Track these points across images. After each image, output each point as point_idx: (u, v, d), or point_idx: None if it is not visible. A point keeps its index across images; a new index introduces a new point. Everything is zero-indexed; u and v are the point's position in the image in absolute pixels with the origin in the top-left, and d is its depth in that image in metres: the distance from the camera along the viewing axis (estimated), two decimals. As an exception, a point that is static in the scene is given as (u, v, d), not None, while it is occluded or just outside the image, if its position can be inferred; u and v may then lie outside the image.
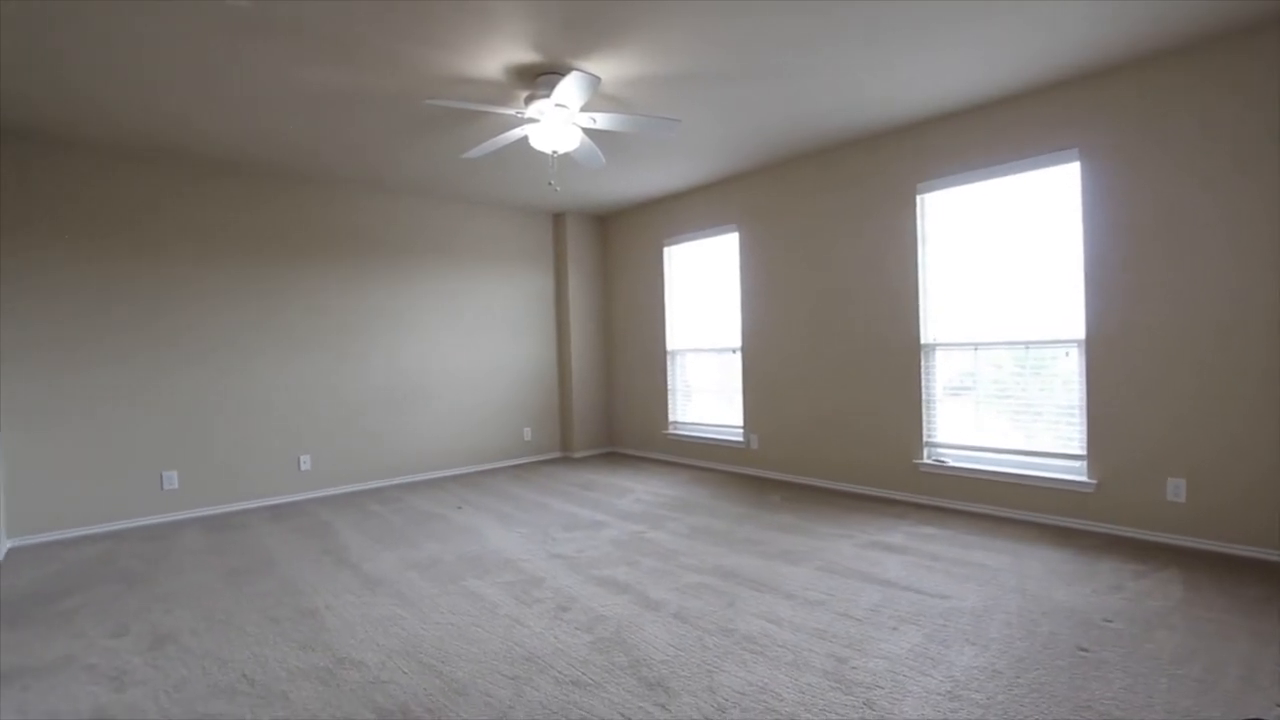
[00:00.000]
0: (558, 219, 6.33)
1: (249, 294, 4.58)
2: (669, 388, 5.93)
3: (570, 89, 2.77)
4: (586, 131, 3.75)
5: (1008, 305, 3.75)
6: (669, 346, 5.92)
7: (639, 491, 4.70)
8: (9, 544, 3.75)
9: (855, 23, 2.69)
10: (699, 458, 5.64)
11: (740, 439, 5.26)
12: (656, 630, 2.38)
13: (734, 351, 5.34)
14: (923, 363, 4.10)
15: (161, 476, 4.25)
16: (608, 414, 6.58)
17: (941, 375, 4.08)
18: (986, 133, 3.73)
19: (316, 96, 3.28)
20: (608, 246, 6.54)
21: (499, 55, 2.87)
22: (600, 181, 5.17)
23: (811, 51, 2.95)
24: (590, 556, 3.26)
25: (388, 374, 5.24)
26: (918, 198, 4.08)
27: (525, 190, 5.37)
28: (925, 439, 4.11)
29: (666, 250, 5.91)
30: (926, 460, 4.10)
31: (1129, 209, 3.23)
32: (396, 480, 5.27)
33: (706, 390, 5.67)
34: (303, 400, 4.82)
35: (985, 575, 2.83)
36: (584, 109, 3.31)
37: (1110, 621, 2.34)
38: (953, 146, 3.88)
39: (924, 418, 4.11)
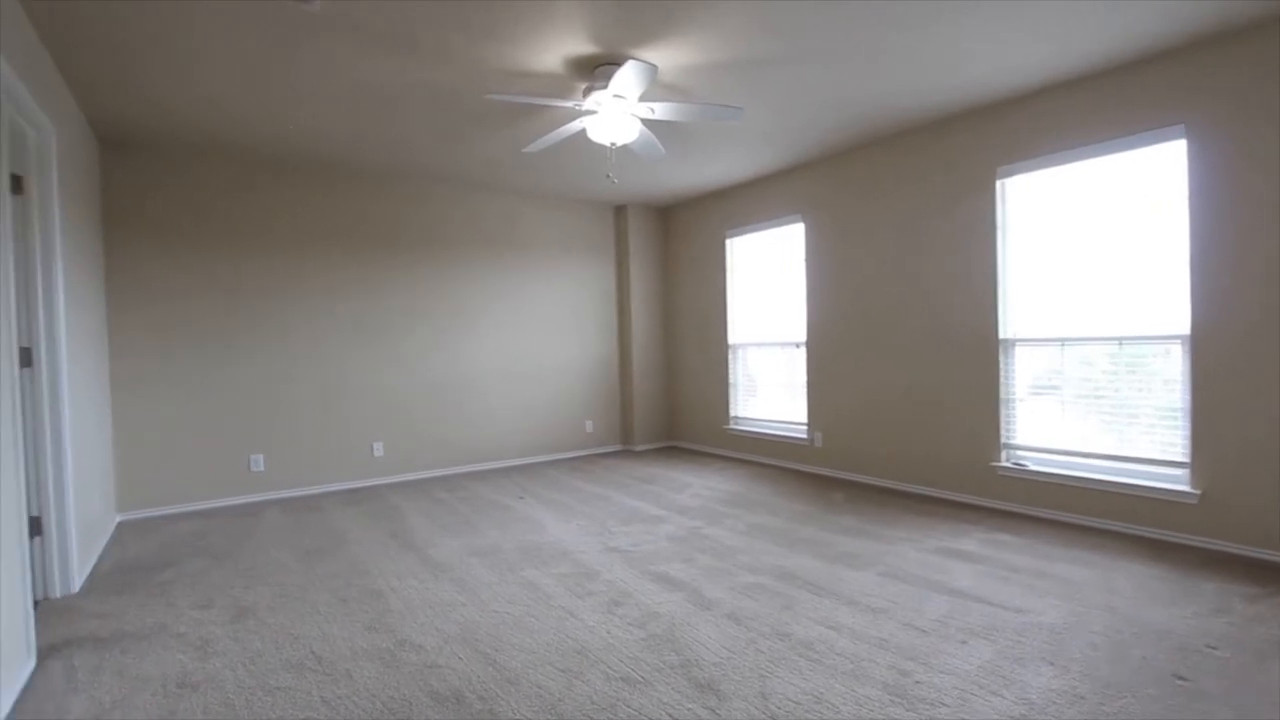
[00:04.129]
0: (619, 211, 6.33)
1: (329, 287, 4.81)
2: (730, 382, 5.83)
3: (627, 79, 2.73)
4: (645, 122, 3.71)
5: (1099, 298, 3.45)
6: (731, 340, 5.82)
7: (697, 486, 4.65)
8: (119, 518, 4.10)
9: (929, -3, 2.52)
10: (760, 453, 5.53)
11: (803, 435, 5.11)
12: (709, 630, 2.34)
13: (798, 346, 5.19)
14: (1001, 359, 3.85)
15: (249, 459, 4.54)
16: (668, 407, 6.55)
17: (1022, 373, 3.81)
18: (1078, 110, 3.44)
19: (381, 94, 3.38)
20: (669, 238, 6.48)
21: (558, 47, 2.87)
22: (660, 173, 5.12)
23: (884, 30, 2.79)
24: (646, 551, 3.25)
25: (455, 365, 5.40)
26: (998, 183, 3.82)
27: (586, 182, 5.39)
28: (1003, 440, 3.87)
29: (728, 241, 5.80)
30: (1004, 463, 3.86)
31: (1243, 191, 2.90)
32: (463, 469, 5.43)
33: (769, 385, 5.54)
34: (377, 389, 5.03)
35: (1068, 589, 2.63)
36: (642, 99, 3.27)
37: (1214, 648, 2.12)
38: (1038, 127, 3.60)
39: (1002, 418, 3.86)
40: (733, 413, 5.83)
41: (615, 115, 3.04)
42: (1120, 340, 3.38)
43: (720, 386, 5.92)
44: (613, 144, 3.16)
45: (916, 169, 4.23)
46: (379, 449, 5.04)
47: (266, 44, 2.78)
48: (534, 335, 5.83)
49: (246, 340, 4.52)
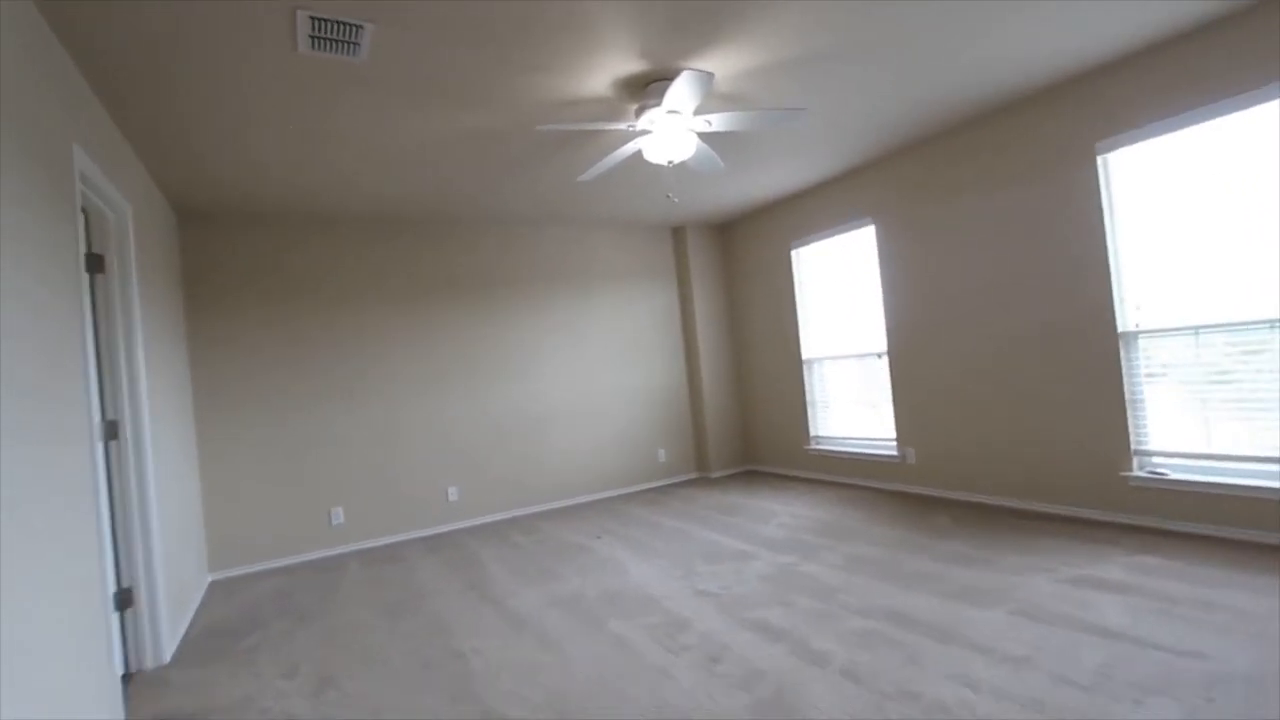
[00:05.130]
0: (677, 232, 6.18)
1: (392, 337, 4.85)
2: (807, 399, 5.51)
3: (682, 92, 2.57)
4: (702, 136, 3.55)
5: (1241, 277, 3.00)
6: (804, 355, 5.51)
7: (783, 515, 4.35)
8: (210, 578, 4.18)
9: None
10: (846, 474, 5.17)
11: (893, 453, 4.73)
12: (824, 691, 2.07)
13: (878, 356, 4.84)
14: (1123, 354, 3.42)
15: (330, 513, 4.57)
16: (743, 430, 6.27)
17: (1150, 368, 3.37)
18: (1189, 67, 3.04)
19: (429, 144, 3.36)
20: (730, 256, 6.27)
21: (605, 70, 2.75)
22: (717, 189, 4.93)
23: (952, 9, 2.53)
24: (738, 594, 2.99)
25: (521, 403, 5.33)
26: (1099, 159, 3.43)
27: (642, 206, 5.27)
28: (1134, 446, 3.41)
29: (794, 253, 5.53)
30: (1138, 472, 3.40)
31: None
32: (537, 508, 5.32)
33: (849, 400, 5.19)
34: (448, 433, 5.01)
35: (1249, 624, 2.21)
36: (697, 112, 3.11)
37: None
38: (1141, 92, 3.21)
39: (1130, 420, 3.41)
40: (813, 432, 5.50)
41: (671, 132, 2.88)
42: (1272, 324, 2.92)
43: (797, 405, 5.61)
44: (670, 162, 3.01)
45: (1000, 154, 3.87)
46: (453, 494, 4.99)
47: (313, 103, 2.78)
48: (598, 366, 5.70)
49: (318, 394, 4.58)
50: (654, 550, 3.84)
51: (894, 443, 4.75)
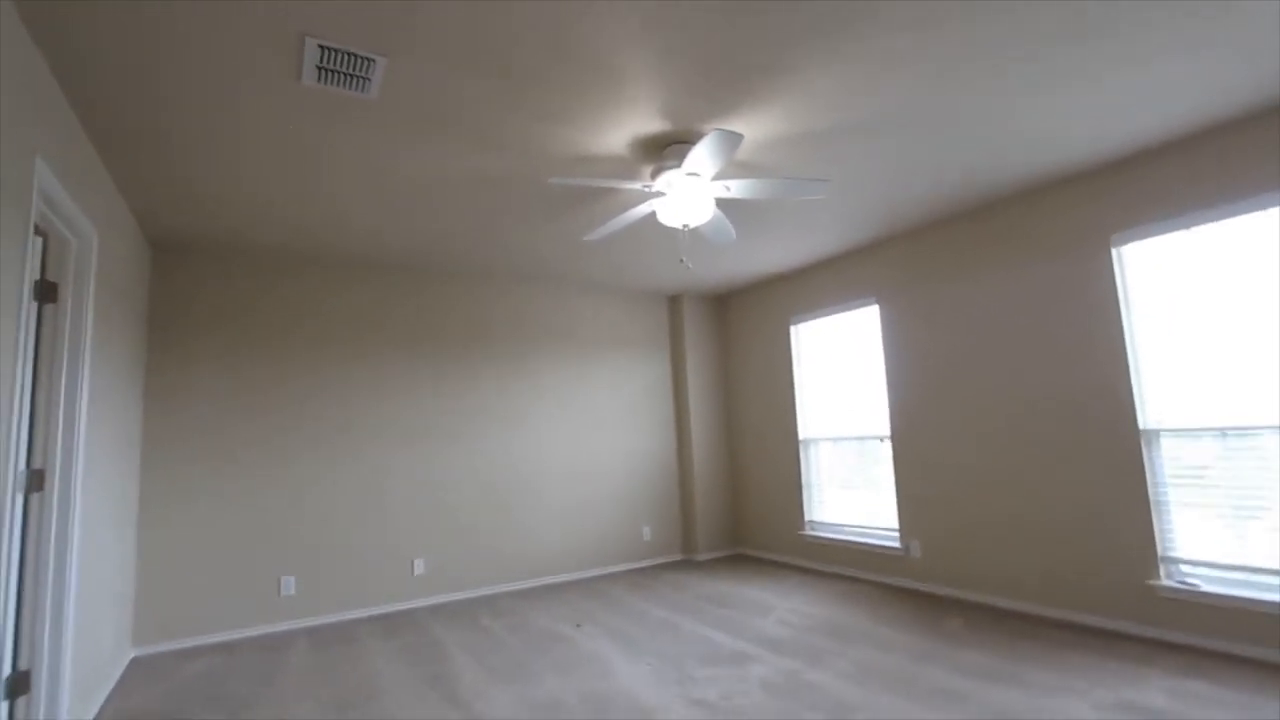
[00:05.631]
0: (674, 301, 6.06)
1: (361, 392, 4.54)
2: (803, 482, 5.25)
3: (706, 152, 2.45)
4: (718, 203, 3.44)
5: (1257, 379, 2.89)
6: (801, 435, 5.30)
7: (781, 610, 4.00)
8: (134, 653, 3.67)
9: (1053, 57, 2.21)
10: (843, 564, 4.85)
11: (896, 544, 4.45)
12: (856, 846, 1.72)
13: (880, 440, 4.64)
14: (1145, 453, 3.25)
15: (280, 581, 4.11)
16: (733, 511, 5.95)
17: (1175, 469, 3.19)
18: (1211, 162, 3.03)
19: (428, 185, 3.20)
20: (728, 328, 6.14)
21: (625, 126, 2.64)
22: (720, 259, 4.84)
23: (985, 94, 2.48)
24: (739, 705, 2.63)
25: (498, 470, 4.99)
26: (1114, 251, 3.38)
27: (641, 272, 5.15)
28: (1161, 552, 3.19)
29: (794, 329, 5.41)
30: (1166, 581, 3.16)
31: None
32: (510, 586, 4.88)
33: (848, 485, 4.95)
34: (415, 499, 4.63)
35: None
36: (715, 177, 3.00)
37: None
38: (1161, 185, 3.20)
39: (1155, 524, 3.20)
40: (808, 517, 5.21)
41: (689, 195, 2.75)
42: (1307, 430, 2.78)
43: (791, 487, 5.34)
44: (685, 226, 2.87)
45: (1014, 241, 3.83)
46: (420, 565, 4.56)
47: (311, 134, 2.62)
48: (584, 435, 5.41)
49: (279, 450, 4.22)
50: (642, 646, 3.45)
51: (897, 534, 4.48)
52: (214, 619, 3.90)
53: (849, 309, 4.89)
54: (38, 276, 2.44)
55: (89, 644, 2.75)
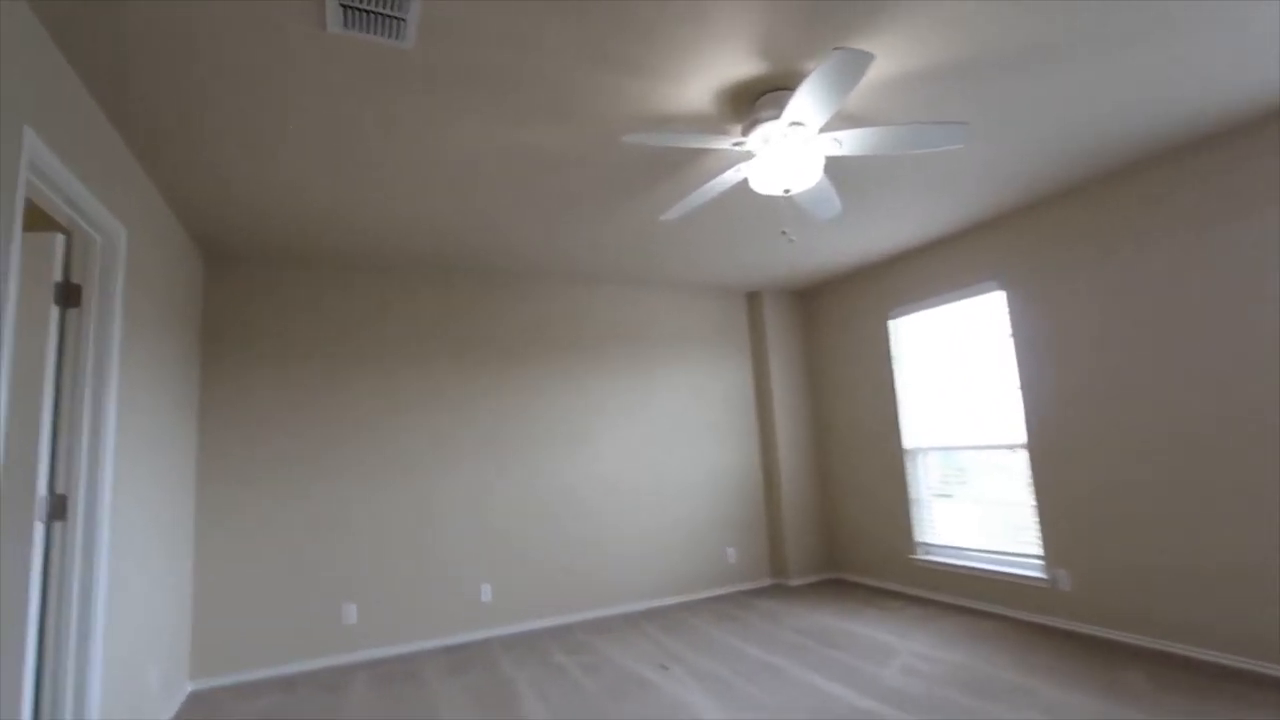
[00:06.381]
0: (752, 299, 5.51)
1: (417, 406, 4.23)
2: (911, 497, 4.58)
3: (821, 88, 1.93)
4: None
5: None
6: (906, 444, 4.63)
7: (903, 652, 3.37)
8: (190, 687, 3.44)
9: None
10: (967, 595, 4.14)
11: (1038, 574, 3.72)
12: None
13: (1013, 449, 3.93)
14: (1407, 464, 2.46)
15: (341, 609, 3.82)
16: (827, 530, 5.31)
17: None
18: None
19: (482, 167, 2.82)
20: (814, 327, 5.53)
21: (711, 72, 2.16)
22: (808, 246, 4.28)
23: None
24: (879, 792, 2.06)
25: (567, 488, 4.57)
26: (1343, 204, 2.62)
27: (715, 266, 4.64)
28: None
29: (893, 324, 4.76)
30: None
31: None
32: (583, 615, 4.44)
33: (970, 501, 4.24)
34: (484, 520, 4.27)
35: None
36: (822, 130, 2.47)
37: None
38: None
39: None
40: (919, 538, 4.53)
41: (791, 151, 2.24)
42: None
43: (897, 504, 4.66)
44: (786, 191, 2.35)
45: (1193, 205, 3.10)
46: (487, 592, 4.19)
47: (348, 108, 2.28)
48: (659, 449, 4.93)
49: (336, 467, 3.94)
50: (741, 697, 2.92)
51: (1040, 561, 3.75)
52: (274, 651, 3.64)
53: (964, 297, 4.21)
54: (59, 278, 2.19)
55: (125, 683, 2.48)
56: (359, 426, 4.02)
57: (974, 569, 4.08)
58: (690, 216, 3.53)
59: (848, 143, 2.29)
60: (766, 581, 5.14)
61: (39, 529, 2.04)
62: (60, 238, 2.23)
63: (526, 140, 2.58)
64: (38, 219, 2.70)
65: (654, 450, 4.90)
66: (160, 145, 2.47)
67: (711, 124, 2.50)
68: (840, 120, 2.53)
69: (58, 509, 2.14)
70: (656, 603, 4.69)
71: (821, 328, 5.44)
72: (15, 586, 1.98)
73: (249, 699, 3.26)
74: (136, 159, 2.57)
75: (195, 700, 3.29)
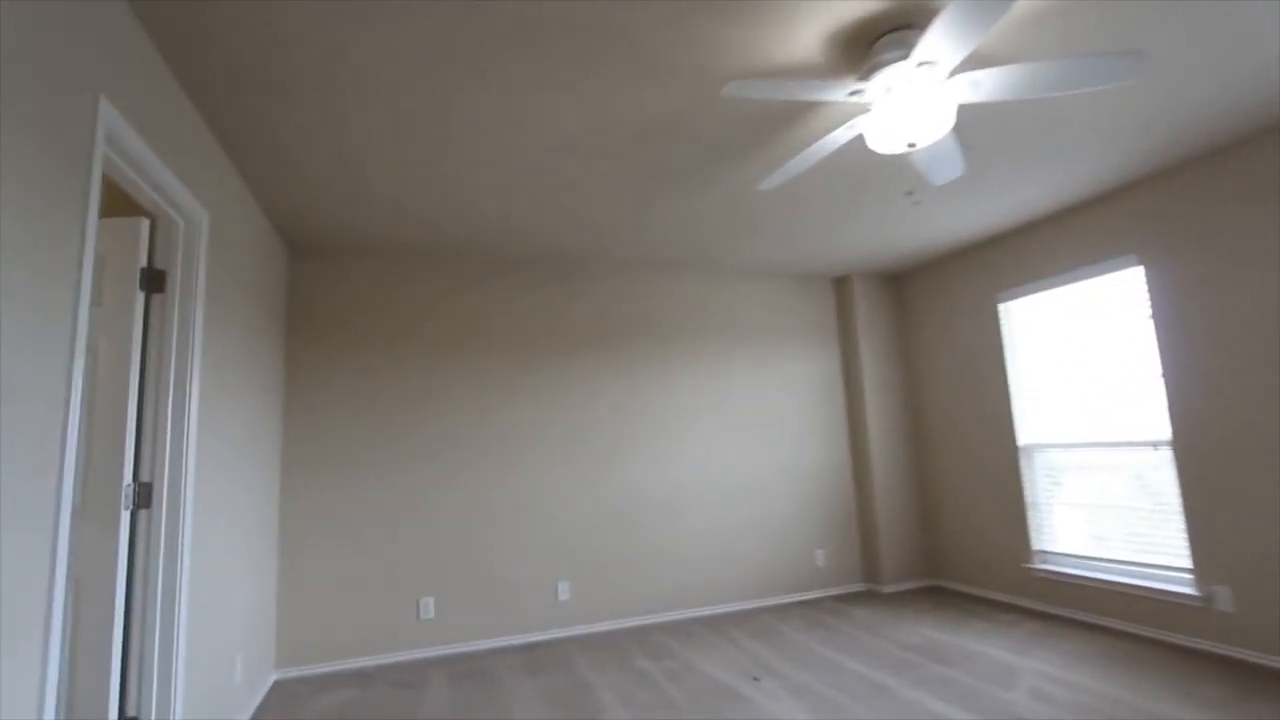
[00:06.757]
0: (840, 284, 5.14)
1: (501, 394, 4.12)
2: (1027, 500, 4.12)
3: (963, 18, 1.62)
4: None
5: None
6: (1020, 440, 4.17)
7: (1028, 674, 2.98)
8: (275, 675, 3.45)
9: None
10: (1092, 609, 3.67)
11: (1189, 590, 3.24)
12: None
13: (1155, 447, 3.44)
14: None
15: (419, 604, 3.76)
16: (925, 533, 4.89)
17: None
18: None
19: (562, 146, 2.63)
20: (908, 313, 5.11)
21: (823, 14, 1.88)
22: (899, 225, 3.89)
23: None
24: None
25: (647, 482, 4.37)
26: None
27: (800, 249, 4.31)
28: None
29: (1003, 308, 4.30)
30: None
31: None
32: (663, 616, 4.23)
33: (1098, 504, 3.76)
34: (562, 517, 4.12)
35: None
36: (953, 73, 2.15)
37: None
38: None
39: None
40: (1036, 545, 4.07)
41: (919, 97, 1.93)
42: None
43: (1009, 506, 4.21)
44: (911, 145, 2.04)
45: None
46: (565, 590, 4.04)
47: (423, 85, 2.12)
48: (742, 442, 4.65)
49: (412, 457, 3.88)
50: (847, 717, 2.63)
51: (1188, 575, 3.26)
52: (354, 642, 3.61)
53: (1091, 275, 3.73)
54: (144, 264, 2.15)
55: (211, 672, 2.45)
56: (436, 419, 3.95)
57: (1104, 581, 3.61)
58: (787, 187, 3.22)
59: (987, 84, 1.95)
60: (858, 586, 4.78)
61: (124, 517, 2.00)
62: (145, 222, 2.19)
63: (619, 110, 2.36)
64: (119, 204, 2.70)
65: (735, 445, 4.63)
66: (243, 128, 2.41)
67: (821, 75, 2.21)
68: (967, 65, 2.19)
69: (143, 497, 2.10)
70: (739, 606, 4.43)
71: (918, 314, 5.01)
72: (103, 574, 1.94)
73: (327, 691, 3.22)
74: (219, 143, 2.52)
75: (278, 690, 3.28)
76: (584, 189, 3.12)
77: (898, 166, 3.03)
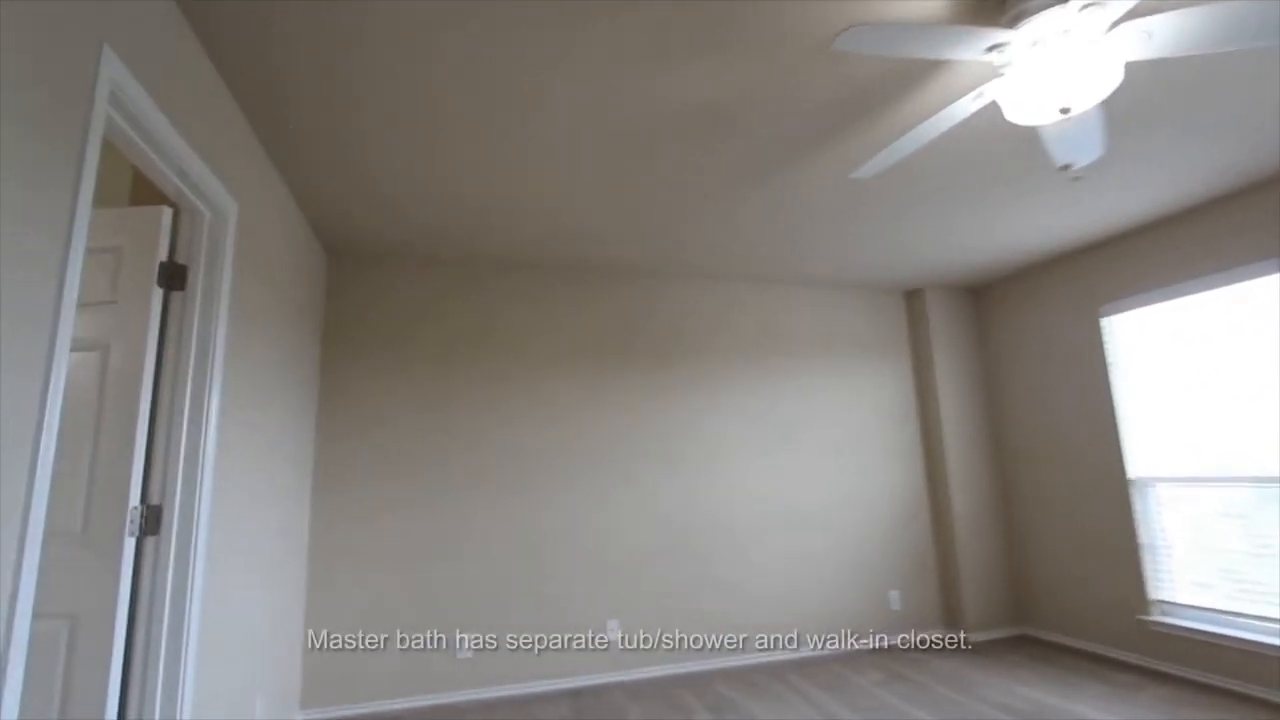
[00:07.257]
0: (912, 298, 4.72)
1: (543, 424, 3.80)
2: (1141, 543, 3.60)
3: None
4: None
5: None
6: (1131, 472, 3.66)
7: (1175, 757, 2.48)
8: (300, 717, 3.15)
9: None
10: (1229, 674, 3.13)
11: (1363, 658, 2.70)
12: None
13: (1311, 484, 2.93)
14: None
15: (456, 640, 3.43)
16: (1013, 574, 4.37)
17: None
18: None
19: (636, 139, 2.33)
20: (989, 329, 4.65)
21: (962, -56, 1.54)
22: (981, 232, 3.49)
23: None
24: None
25: (701, 514, 3.98)
26: None
27: (872, 257, 3.93)
28: None
29: (1106, 322, 3.83)
30: None
31: None
32: (719, 663, 3.80)
33: (1236, 551, 3.23)
34: (608, 548, 3.77)
35: None
36: (1114, 23, 1.77)
37: None
38: None
39: None
40: (1154, 595, 3.54)
41: (1078, 51, 1.57)
42: None
43: (1118, 548, 3.70)
44: (1065, 111, 1.67)
45: None
46: (614, 628, 3.67)
47: (467, 65, 1.85)
48: (805, 470, 4.23)
49: (449, 484, 3.59)
50: (959, 805, 2.19)
51: (1365, 641, 2.72)
52: (385, 683, 3.29)
53: (1218, 284, 3.26)
54: (164, 258, 1.91)
55: (224, 714, 2.15)
56: (475, 441, 3.66)
57: (1249, 642, 3.07)
58: (880, 177, 2.81)
59: (1161, 33, 1.58)
60: (938, 633, 4.26)
61: (129, 544, 1.73)
62: (167, 211, 1.96)
63: (685, 94, 2.06)
64: (147, 196, 2.49)
65: (798, 474, 4.21)
66: (283, 117, 2.18)
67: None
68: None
69: (151, 522, 1.83)
70: (805, 653, 3.97)
71: (1001, 330, 4.55)
72: (102, 609, 1.67)
73: (358, 739, 2.91)
74: (251, 126, 2.29)
75: (304, 734, 2.98)
76: (645, 188, 2.82)
77: (1006, 151, 2.64)
